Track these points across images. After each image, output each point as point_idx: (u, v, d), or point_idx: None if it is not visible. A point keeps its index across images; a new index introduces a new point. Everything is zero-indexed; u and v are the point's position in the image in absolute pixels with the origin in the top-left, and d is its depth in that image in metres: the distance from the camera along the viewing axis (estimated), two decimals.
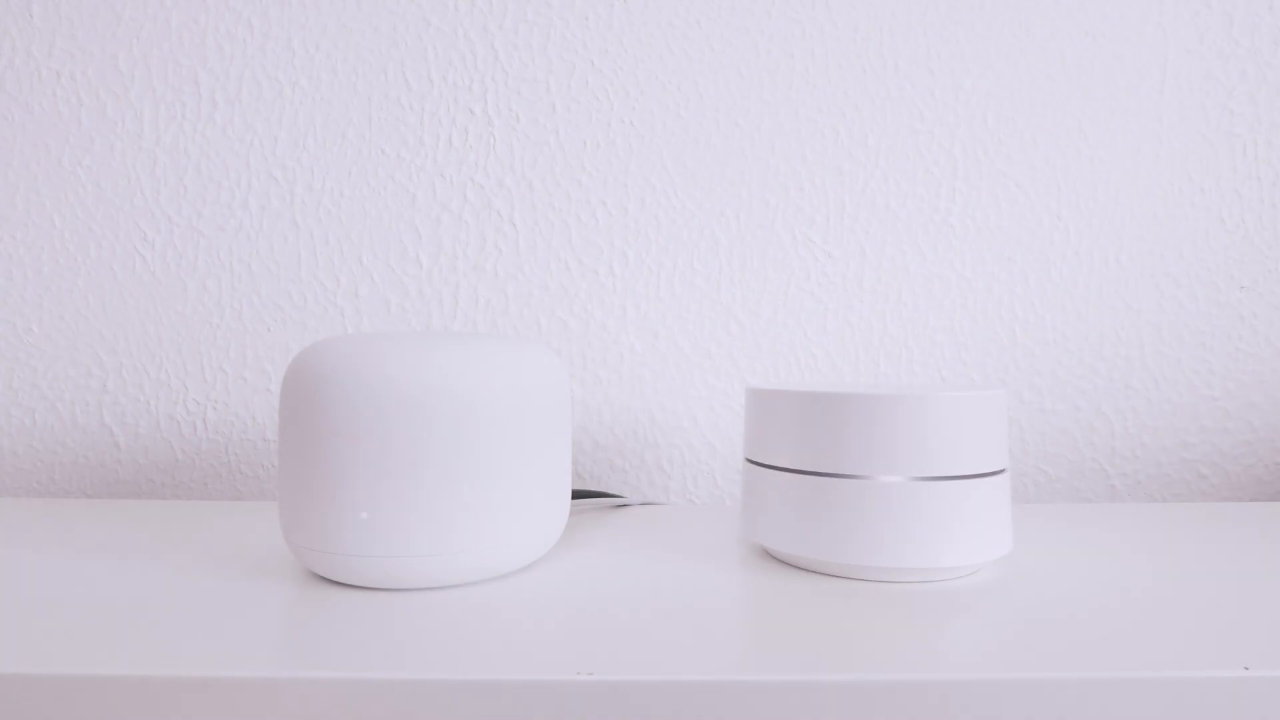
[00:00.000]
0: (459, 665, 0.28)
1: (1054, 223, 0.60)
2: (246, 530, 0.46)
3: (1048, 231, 0.60)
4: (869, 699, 0.27)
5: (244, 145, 0.59)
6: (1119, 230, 0.60)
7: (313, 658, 0.29)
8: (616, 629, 0.31)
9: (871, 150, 0.60)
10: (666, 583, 0.37)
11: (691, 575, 0.38)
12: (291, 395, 0.36)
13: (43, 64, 0.59)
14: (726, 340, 0.60)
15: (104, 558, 0.41)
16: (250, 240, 0.59)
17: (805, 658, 0.29)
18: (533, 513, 0.37)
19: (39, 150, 0.59)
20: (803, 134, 0.60)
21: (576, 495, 0.53)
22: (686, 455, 0.61)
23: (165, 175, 0.59)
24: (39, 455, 0.60)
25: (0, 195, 0.59)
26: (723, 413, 0.60)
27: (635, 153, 0.60)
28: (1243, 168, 0.60)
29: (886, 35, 0.60)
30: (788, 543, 0.38)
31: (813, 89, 0.60)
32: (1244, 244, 0.60)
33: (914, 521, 0.35)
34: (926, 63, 0.60)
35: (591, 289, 0.60)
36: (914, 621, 0.32)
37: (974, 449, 0.36)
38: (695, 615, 0.33)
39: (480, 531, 0.35)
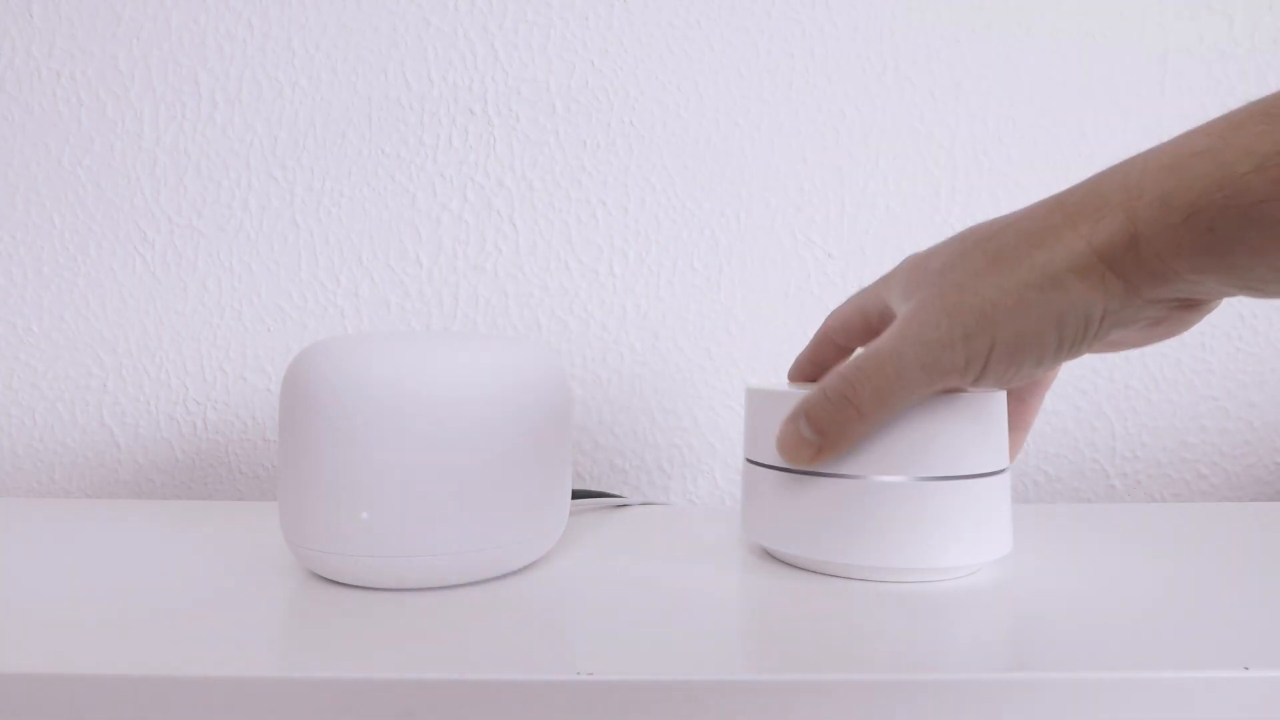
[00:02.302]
0: (459, 665, 0.28)
1: None
2: (246, 530, 0.46)
3: None
4: (869, 699, 0.27)
5: (244, 145, 0.59)
6: None
7: (313, 658, 0.29)
8: (616, 629, 0.31)
9: (871, 150, 0.60)
10: (666, 583, 0.37)
11: (691, 575, 0.38)
12: (291, 395, 0.36)
13: (43, 64, 0.59)
14: (726, 340, 0.60)
15: (104, 558, 0.41)
16: (250, 240, 0.59)
17: (805, 658, 0.29)
18: (533, 513, 0.37)
19: (39, 150, 0.59)
20: (803, 134, 0.60)
21: (576, 495, 0.53)
22: (686, 455, 0.61)
23: (165, 175, 0.59)
24: (39, 455, 0.60)
25: (0, 195, 0.59)
26: (723, 413, 0.60)
27: (635, 153, 0.60)
28: None
29: (886, 35, 0.60)
30: (788, 543, 0.38)
31: (813, 89, 0.60)
32: None
33: (914, 521, 0.35)
34: (926, 63, 0.60)
35: (591, 289, 0.60)
36: (914, 621, 0.32)
37: (974, 449, 0.36)
38: (695, 615, 0.33)
39: (480, 531, 0.35)
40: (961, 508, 0.36)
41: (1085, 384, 0.61)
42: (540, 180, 0.60)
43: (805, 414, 0.35)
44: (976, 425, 0.36)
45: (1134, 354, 0.61)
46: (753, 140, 0.60)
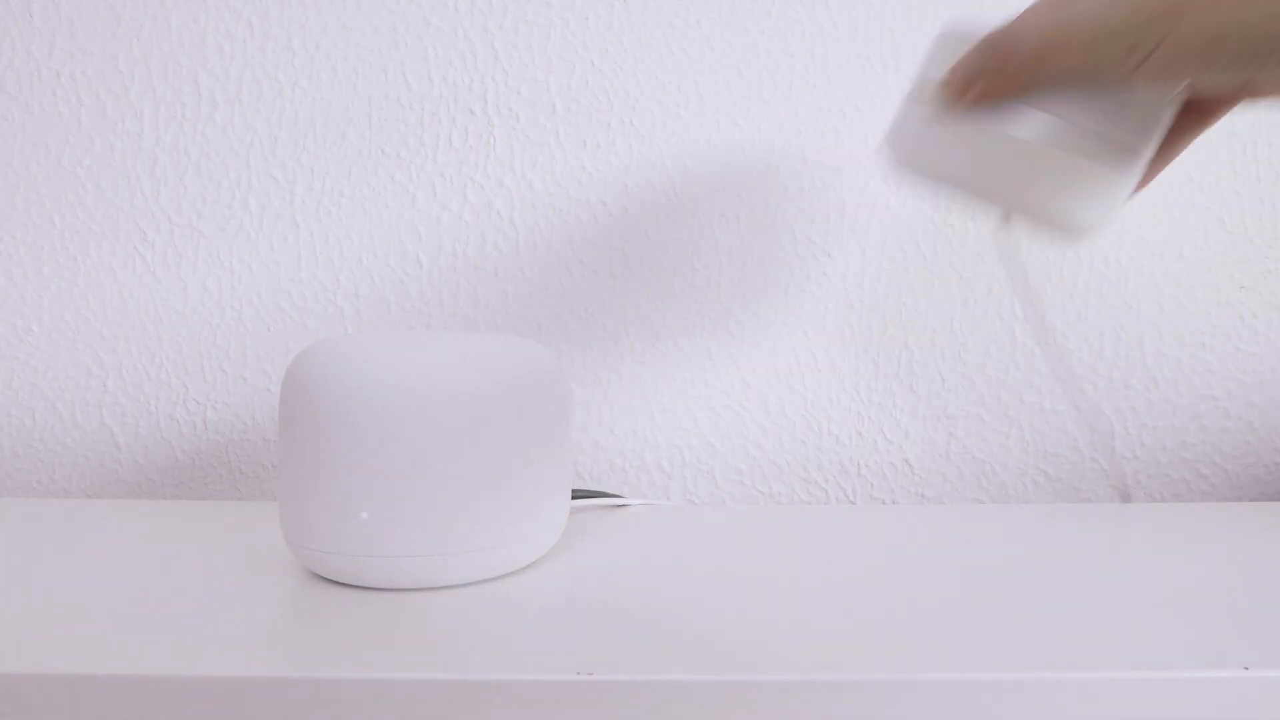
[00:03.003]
0: (459, 665, 0.28)
1: None
2: (246, 530, 0.46)
3: None
4: (870, 699, 0.27)
5: (244, 145, 0.59)
6: (1119, 230, 0.60)
7: (313, 658, 0.29)
8: (616, 629, 0.32)
9: (871, 150, 0.60)
10: (666, 583, 0.37)
11: (690, 575, 0.38)
12: (291, 395, 0.36)
13: (43, 64, 0.59)
14: (726, 340, 0.60)
15: (103, 558, 0.41)
16: (250, 240, 0.59)
17: (805, 658, 0.29)
18: (533, 513, 0.37)
19: (39, 150, 0.59)
20: (803, 134, 0.60)
21: (576, 495, 0.53)
22: (686, 455, 0.61)
23: (165, 175, 0.59)
24: (39, 455, 0.60)
25: (0, 195, 0.59)
26: (723, 413, 0.60)
27: (635, 153, 0.60)
28: (1243, 168, 0.60)
29: (886, 35, 0.60)
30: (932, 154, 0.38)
31: (813, 89, 0.60)
32: (1244, 244, 0.60)
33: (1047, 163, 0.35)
34: None
35: (591, 289, 0.60)
36: (914, 621, 0.32)
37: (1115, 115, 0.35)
38: (694, 615, 0.33)
39: (480, 531, 0.35)
40: (1086, 168, 0.35)
41: (1085, 384, 0.61)
42: (540, 180, 0.60)
43: (971, 52, 0.35)
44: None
45: (1134, 354, 0.61)
46: (752, 140, 0.60)
